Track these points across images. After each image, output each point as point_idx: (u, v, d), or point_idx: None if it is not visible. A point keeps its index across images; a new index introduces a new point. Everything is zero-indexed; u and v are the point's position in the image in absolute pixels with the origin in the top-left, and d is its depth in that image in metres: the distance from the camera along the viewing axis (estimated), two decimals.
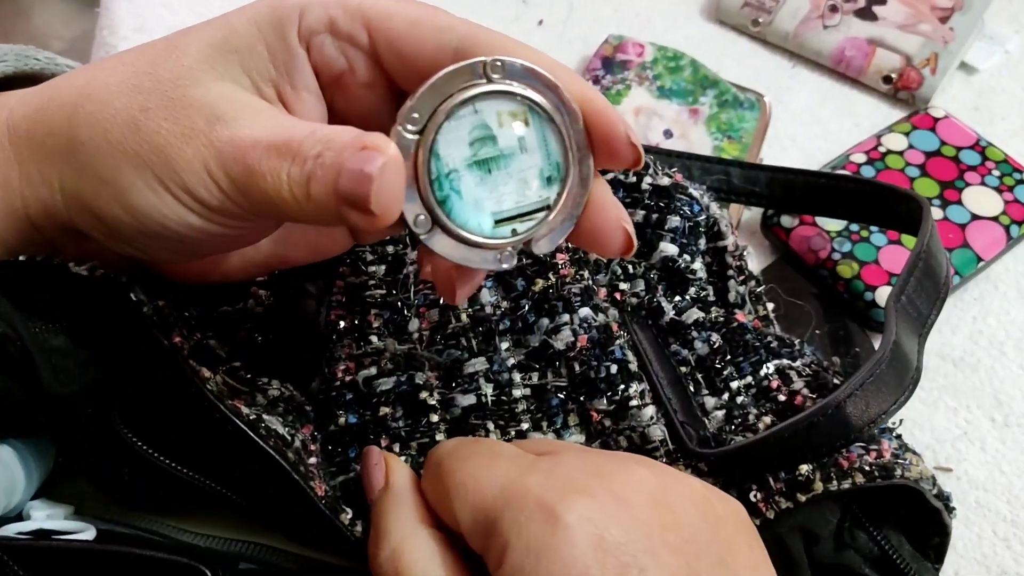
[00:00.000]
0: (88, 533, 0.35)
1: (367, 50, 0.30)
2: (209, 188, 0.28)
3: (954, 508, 0.40)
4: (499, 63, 0.28)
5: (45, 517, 0.36)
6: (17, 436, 0.35)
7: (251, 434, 0.31)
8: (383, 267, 0.41)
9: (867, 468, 0.35)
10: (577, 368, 0.37)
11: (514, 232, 0.29)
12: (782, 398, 0.39)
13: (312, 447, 0.35)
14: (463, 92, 0.27)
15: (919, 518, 0.39)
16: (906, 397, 0.37)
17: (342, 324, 0.39)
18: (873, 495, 0.37)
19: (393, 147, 0.26)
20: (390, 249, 0.41)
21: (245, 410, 0.32)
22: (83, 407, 0.33)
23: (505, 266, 0.29)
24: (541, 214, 0.29)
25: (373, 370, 0.37)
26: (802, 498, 0.35)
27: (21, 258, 0.31)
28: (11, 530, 0.34)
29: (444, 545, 0.31)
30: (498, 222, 0.29)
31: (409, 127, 0.27)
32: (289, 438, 0.34)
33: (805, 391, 0.38)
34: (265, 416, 0.33)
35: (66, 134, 0.30)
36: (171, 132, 0.28)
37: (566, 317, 0.38)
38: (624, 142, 0.30)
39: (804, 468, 0.35)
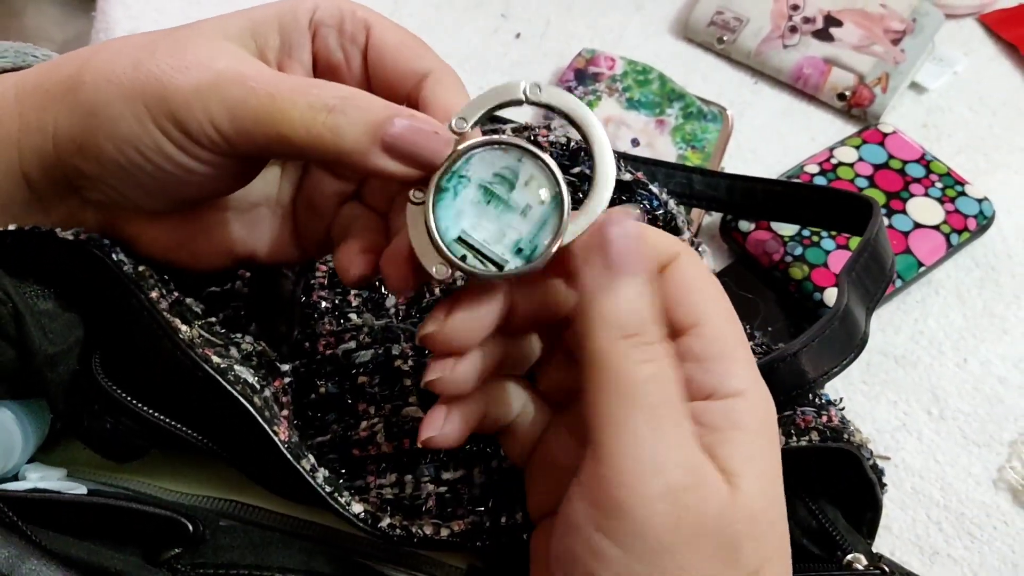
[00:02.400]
0: (79, 491, 0.37)
1: (362, 51, 0.35)
2: (203, 126, 0.30)
3: (886, 485, 0.43)
4: (538, 88, 0.31)
5: (39, 478, 0.38)
6: (13, 398, 0.36)
7: (219, 379, 0.33)
8: None
9: (821, 428, 0.38)
10: None
11: (463, 258, 0.30)
12: None
13: (284, 399, 0.37)
14: (518, 137, 0.31)
15: (854, 494, 0.43)
16: (854, 356, 0.40)
17: (323, 304, 0.42)
18: (814, 465, 0.40)
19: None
20: None
21: (216, 359, 0.34)
22: (69, 364, 0.35)
23: (436, 275, 0.30)
24: (491, 267, 0.30)
25: (352, 344, 0.40)
26: None
27: (11, 227, 0.34)
28: (8, 487, 0.35)
29: None
30: (458, 240, 0.30)
31: (454, 125, 0.31)
32: (259, 387, 0.35)
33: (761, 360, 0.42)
34: (236, 367, 0.35)
35: (72, 78, 0.32)
36: (170, 66, 0.31)
37: None
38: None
39: None
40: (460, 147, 0.30)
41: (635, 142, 0.65)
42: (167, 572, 0.34)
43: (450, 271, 0.30)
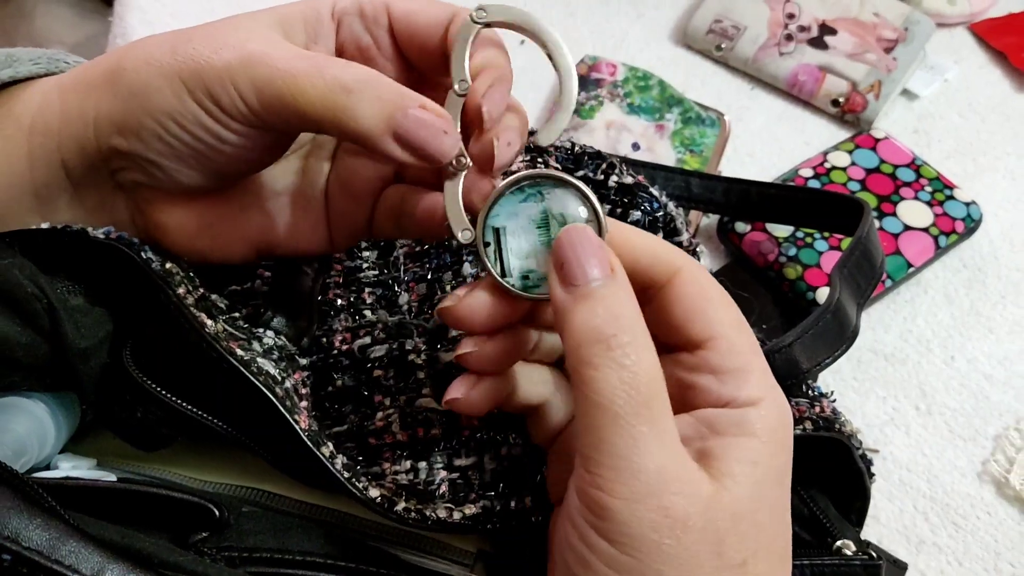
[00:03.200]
0: (110, 479, 0.39)
1: (388, 30, 0.37)
2: (233, 99, 0.33)
3: (874, 474, 0.45)
4: (483, 11, 0.34)
5: (71, 468, 0.40)
6: (45, 390, 0.38)
7: (243, 370, 0.35)
8: (375, 252, 0.46)
9: (814, 418, 0.40)
10: None
11: (486, 244, 0.33)
12: None
13: (303, 391, 0.39)
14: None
15: (843, 484, 0.45)
16: (845, 348, 0.42)
17: (339, 301, 0.44)
18: (806, 454, 0.42)
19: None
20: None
21: (240, 352, 0.36)
22: (100, 357, 0.37)
23: (461, 239, 0.34)
24: (498, 270, 0.33)
25: (367, 339, 0.42)
26: None
27: (44, 226, 0.35)
28: (41, 476, 0.37)
29: None
30: (494, 230, 0.33)
31: (457, 89, 0.34)
32: (280, 378, 0.37)
33: None
34: (259, 359, 0.37)
35: (112, 67, 0.35)
36: (205, 47, 0.33)
37: None
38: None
39: None
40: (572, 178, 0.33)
41: (636, 146, 0.67)
42: (194, 554, 0.36)
43: (472, 239, 0.33)
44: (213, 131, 0.34)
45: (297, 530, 0.38)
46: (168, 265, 0.37)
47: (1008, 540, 0.54)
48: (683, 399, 0.32)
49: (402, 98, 0.33)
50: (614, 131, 0.68)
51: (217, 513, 0.37)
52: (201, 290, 0.38)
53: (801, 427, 0.40)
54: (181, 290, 0.36)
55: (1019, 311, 0.63)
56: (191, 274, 0.38)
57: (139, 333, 0.37)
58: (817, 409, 0.41)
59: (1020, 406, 0.59)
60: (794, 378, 0.41)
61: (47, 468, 0.39)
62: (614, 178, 0.47)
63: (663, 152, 0.67)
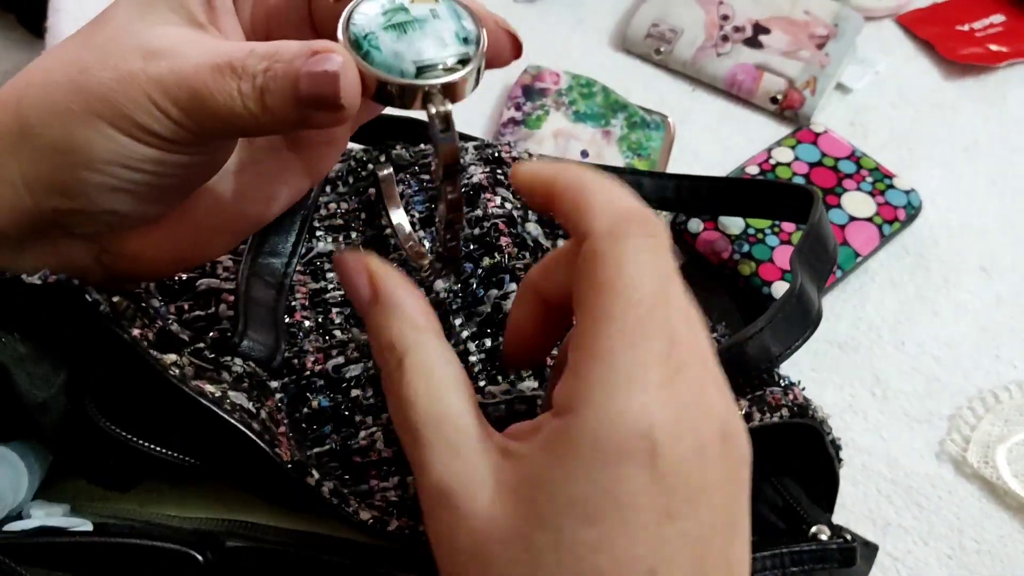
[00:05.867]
0: (85, 527, 0.36)
1: None
2: (159, 119, 0.30)
3: (842, 460, 0.46)
4: None
5: (44, 515, 0.37)
6: (10, 439, 0.37)
7: (216, 410, 0.33)
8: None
9: (789, 405, 0.41)
10: None
11: (435, 77, 0.29)
12: None
13: (279, 416, 0.38)
14: None
15: (812, 470, 0.46)
16: (812, 331, 0.43)
17: (307, 323, 0.44)
18: (780, 442, 0.43)
19: (340, 45, 0.29)
20: None
21: (210, 388, 0.34)
22: (59, 406, 0.35)
23: (434, 110, 0.30)
24: (461, 66, 0.30)
25: (341, 359, 0.42)
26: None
27: None
28: (15, 528, 0.35)
29: (452, 352, 0.30)
30: (420, 70, 0.29)
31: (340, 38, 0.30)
32: (255, 410, 0.36)
33: (730, 340, 0.44)
34: (230, 392, 0.35)
35: (15, 125, 0.31)
36: (111, 79, 0.29)
37: (513, 286, 0.42)
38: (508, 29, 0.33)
39: (743, 403, 0.40)
40: (342, 18, 0.30)
41: (584, 153, 0.68)
42: None
43: (443, 99, 0.30)
44: (163, 159, 0.31)
45: (287, 561, 0.37)
46: (116, 299, 0.35)
47: (970, 517, 0.56)
48: None
49: (297, 55, 0.29)
50: (562, 140, 0.69)
51: (200, 558, 0.36)
52: (159, 323, 0.37)
53: (778, 415, 0.41)
54: (136, 331, 0.35)
55: (961, 293, 0.65)
56: (143, 305, 0.37)
57: (98, 379, 0.36)
58: (791, 396, 0.42)
59: (970, 386, 0.61)
60: (768, 363, 0.42)
61: (19, 517, 0.37)
62: None
63: (611, 158, 0.68)
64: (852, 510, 0.56)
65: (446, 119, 0.30)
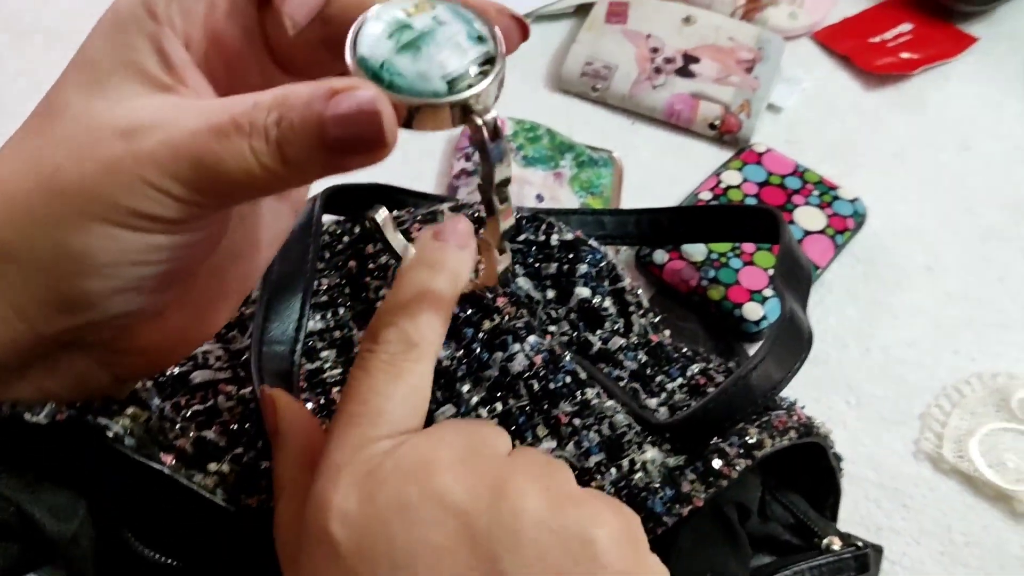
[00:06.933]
0: None
1: None
2: (160, 201, 0.26)
3: (843, 470, 0.48)
4: None
5: None
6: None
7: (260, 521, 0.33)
8: (333, 351, 0.45)
9: (796, 427, 0.42)
10: (536, 386, 0.41)
11: (470, 87, 0.27)
12: (711, 390, 0.45)
13: None
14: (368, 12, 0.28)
15: (815, 483, 0.47)
16: (807, 352, 0.44)
17: (310, 405, 0.43)
18: (784, 462, 0.44)
19: (362, 78, 0.27)
20: (336, 335, 0.46)
21: (256, 500, 0.34)
22: (87, 534, 0.33)
23: (479, 121, 0.28)
24: (490, 66, 0.28)
25: None
26: (758, 454, 0.40)
27: None
28: None
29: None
30: (451, 85, 0.27)
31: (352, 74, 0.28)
32: None
33: (736, 374, 0.45)
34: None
35: None
36: (94, 171, 0.26)
37: (517, 346, 0.42)
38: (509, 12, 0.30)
39: (752, 431, 0.40)
40: (348, 53, 0.28)
41: (539, 197, 0.68)
42: None
43: (481, 109, 0.28)
44: (165, 245, 0.28)
45: None
46: (139, 415, 0.33)
47: (955, 512, 0.58)
48: None
49: (314, 97, 0.26)
50: (516, 186, 0.69)
51: None
52: (192, 432, 0.36)
53: (787, 437, 0.42)
54: (169, 458, 0.33)
55: (914, 295, 0.68)
56: (175, 415, 0.36)
57: (132, 506, 0.34)
58: (795, 417, 0.43)
59: (935, 383, 0.63)
60: (773, 390, 0.43)
61: None
62: (555, 236, 0.49)
63: (566, 199, 0.69)
64: (845, 519, 0.57)
65: (495, 126, 0.28)
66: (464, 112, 0.27)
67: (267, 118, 0.26)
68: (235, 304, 0.35)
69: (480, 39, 0.28)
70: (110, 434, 0.32)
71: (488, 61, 0.28)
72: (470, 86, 0.27)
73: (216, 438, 0.38)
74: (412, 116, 0.27)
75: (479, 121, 0.27)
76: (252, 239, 0.34)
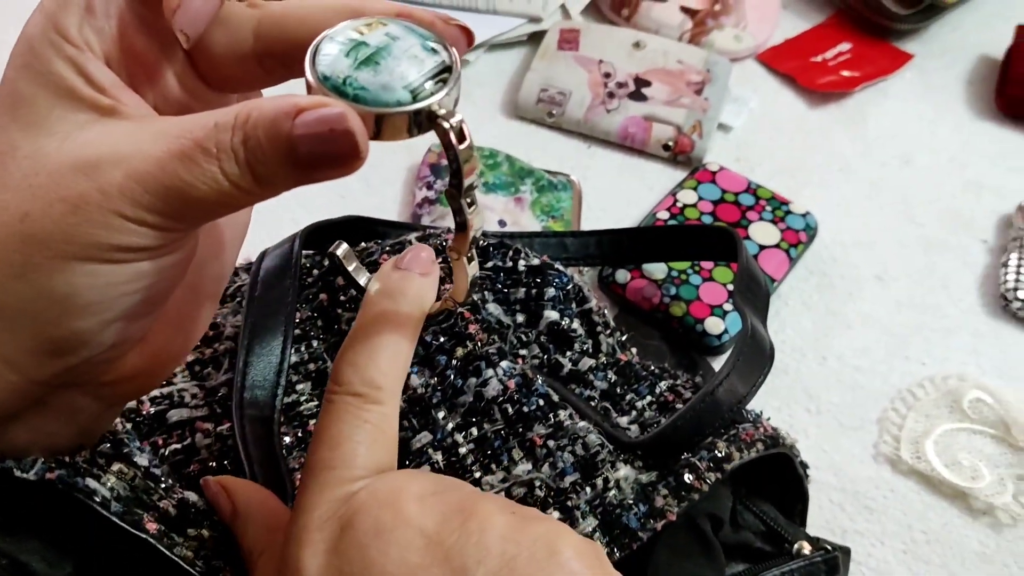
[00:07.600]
0: None
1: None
2: (137, 231, 0.26)
3: (809, 476, 0.50)
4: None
5: None
6: None
7: None
8: (308, 383, 0.46)
9: (763, 439, 0.43)
10: (510, 410, 0.43)
11: (432, 94, 0.28)
12: (680, 406, 0.47)
13: None
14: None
15: (784, 490, 0.49)
16: (770, 365, 0.46)
17: (287, 439, 0.44)
18: (752, 472, 0.46)
19: (329, 97, 0.27)
20: (311, 367, 0.46)
21: (230, 572, 0.35)
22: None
23: (446, 124, 0.29)
24: (448, 74, 0.29)
25: None
26: (727, 467, 0.41)
27: None
28: None
29: None
30: (414, 93, 0.28)
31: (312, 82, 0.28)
32: None
33: (703, 391, 0.47)
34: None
35: None
36: (64, 212, 0.26)
37: (490, 371, 0.43)
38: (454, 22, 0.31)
39: (721, 444, 0.42)
40: (308, 72, 0.28)
41: (502, 223, 0.70)
42: None
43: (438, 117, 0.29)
44: (150, 271, 0.28)
45: None
46: (126, 472, 0.34)
47: (914, 512, 0.60)
48: None
49: (280, 111, 0.26)
50: None
51: None
52: (175, 494, 0.37)
53: (755, 449, 0.43)
54: (152, 525, 0.33)
55: (865, 304, 0.70)
56: (157, 481, 0.37)
57: (111, 566, 0.34)
58: (762, 430, 0.45)
59: (889, 388, 0.66)
60: (739, 404, 0.44)
61: None
62: (522, 262, 0.50)
63: (527, 224, 0.70)
64: (811, 524, 0.59)
65: (461, 129, 0.29)
66: (430, 118, 0.28)
67: (233, 138, 0.26)
68: (211, 311, 0.35)
69: (434, 50, 0.29)
70: (97, 499, 0.32)
71: (445, 70, 0.29)
72: (432, 93, 0.28)
73: (198, 500, 0.38)
74: (380, 127, 0.28)
75: (446, 125, 0.28)
76: (216, 241, 0.34)
